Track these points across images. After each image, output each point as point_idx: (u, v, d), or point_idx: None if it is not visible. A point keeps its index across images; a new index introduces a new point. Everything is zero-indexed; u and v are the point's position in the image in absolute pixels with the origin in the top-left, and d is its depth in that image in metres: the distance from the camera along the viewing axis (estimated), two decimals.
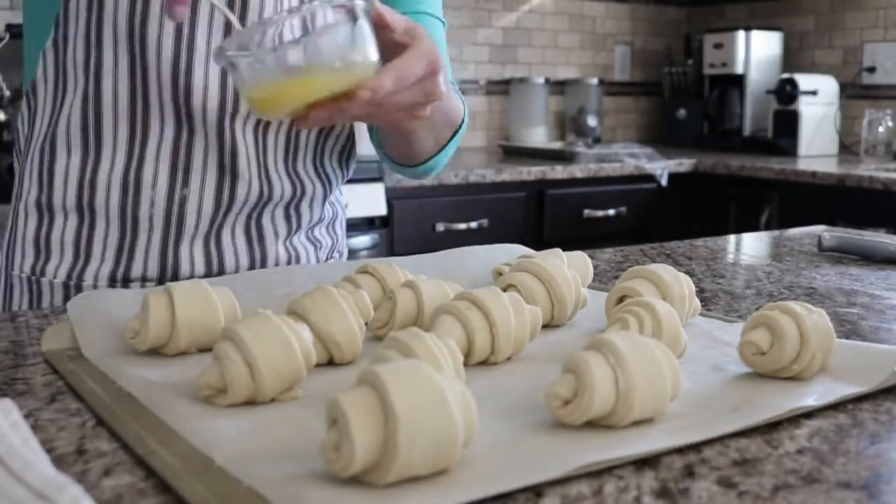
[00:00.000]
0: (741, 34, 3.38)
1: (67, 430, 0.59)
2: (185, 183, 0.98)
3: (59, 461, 0.54)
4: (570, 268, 0.86)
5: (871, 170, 2.74)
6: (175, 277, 1.00)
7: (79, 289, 0.99)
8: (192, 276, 1.00)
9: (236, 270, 1.03)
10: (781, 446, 0.57)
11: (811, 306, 0.70)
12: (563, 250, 0.95)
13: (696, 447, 0.56)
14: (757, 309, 0.82)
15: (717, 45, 3.43)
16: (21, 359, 0.74)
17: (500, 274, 0.92)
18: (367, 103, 0.76)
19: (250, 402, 0.62)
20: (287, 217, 1.06)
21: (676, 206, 3.03)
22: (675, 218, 3.02)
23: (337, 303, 0.71)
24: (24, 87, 1.06)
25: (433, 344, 0.61)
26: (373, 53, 0.76)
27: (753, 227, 2.67)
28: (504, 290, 0.81)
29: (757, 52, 3.39)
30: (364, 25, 0.75)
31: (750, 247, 1.40)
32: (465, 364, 0.67)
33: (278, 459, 0.52)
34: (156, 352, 0.73)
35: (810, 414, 0.62)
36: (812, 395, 0.64)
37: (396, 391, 0.48)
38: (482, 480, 0.49)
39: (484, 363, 0.72)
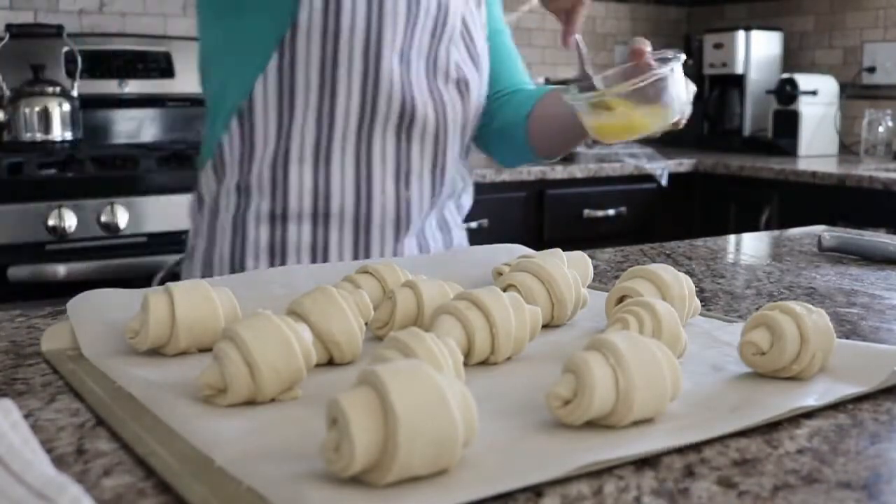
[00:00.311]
0: (741, 34, 3.38)
1: (67, 430, 0.59)
2: (407, 186, 1.15)
3: (59, 461, 0.54)
4: (570, 268, 0.86)
5: (871, 170, 2.74)
6: None
7: None
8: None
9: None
10: (781, 446, 0.57)
11: (811, 306, 0.70)
12: (563, 250, 0.95)
13: (696, 447, 0.56)
14: (757, 309, 0.82)
15: (717, 45, 3.43)
16: (21, 359, 0.74)
17: (500, 274, 0.92)
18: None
19: (250, 402, 0.62)
20: (458, 207, 1.28)
21: (676, 206, 3.03)
22: (675, 218, 3.02)
23: (337, 303, 0.71)
24: (225, 107, 1.14)
25: (433, 344, 0.61)
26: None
27: (753, 227, 2.67)
28: (504, 290, 0.81)
29: (757, 52, 3.39)
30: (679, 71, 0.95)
31: (750, 247, 1.40)
32: (465, 364, 0.67)
33: (278, 459, 0.52)
34: (156, 352, 0.73)
35: (810, 414, 0.62)
36: (812, 395, 0.64)
37: (396, 391, 0.48)
38: (482, 480, 0.49)
39: (484, 363, 0.72)
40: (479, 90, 1.20)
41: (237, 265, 1.12)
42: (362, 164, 1.12)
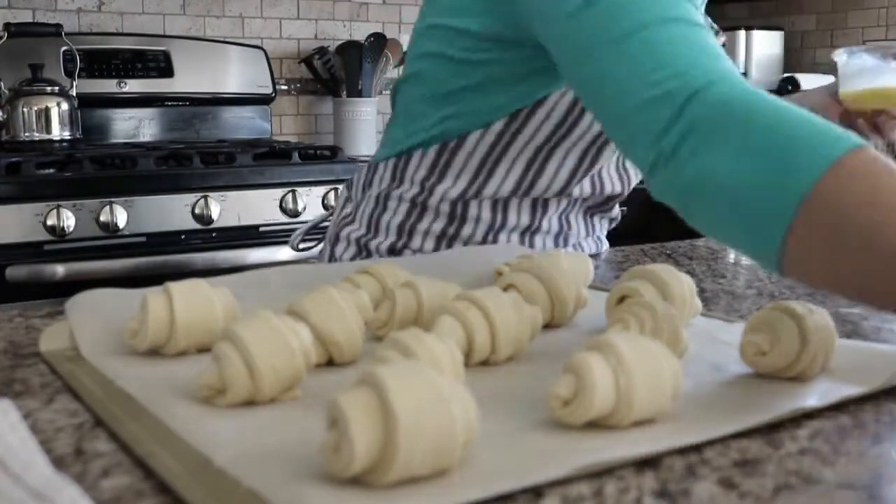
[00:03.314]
0: (742, 33, 3.37)
1: (66, 430, 0.59)
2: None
3: (57, 462, 0.53)
4: (570, 268, 0.86)
5: None
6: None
7: None
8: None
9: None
10: (782, 447, 0.57)
11: (812, 306, 0.69)
12: None
13: (697, 448, 0.56)
14: (758, 309, 0.82)
15: None
16: (19, 359, 0.74)
17: (500, 274, 0.92)
18: None
19: (250, 403, 0.62)
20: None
21: None
22: (676, 218, 3.01)
23: (336, 303, 0.71)
24: (433, 127, 1.12)
25: (433, 344, 0.61)
26: None
27: None
28: (504, 290, 0.81)
29: (758, 51, 3.39)
30: None
31: None
32: (465, 364, 0.66)
33: (278, 460, 0.52)
34: (155, 352, 0.73)
35: (812, 414, 0.62)
36: (813, 396, 0.64)
37: (396, 391, 0.48)
38: (482, 480, 0.49)
39: (484, 363, 0.72)
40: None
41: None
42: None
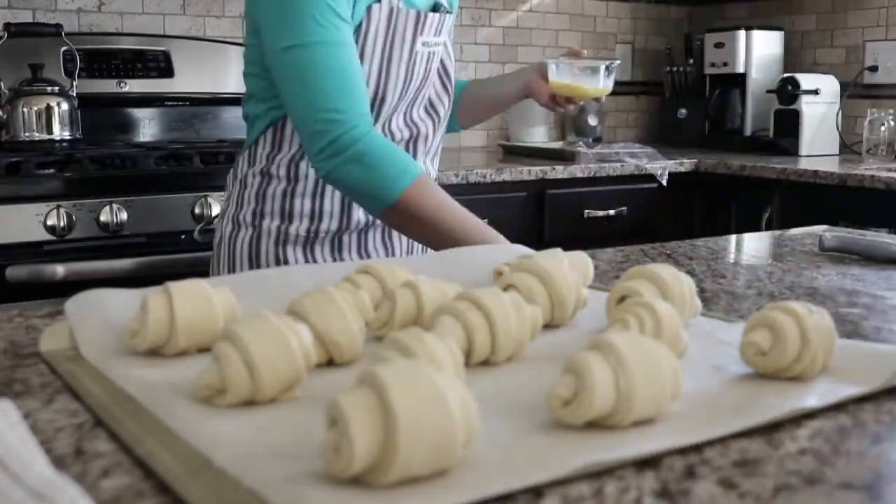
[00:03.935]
0: (742, 33, 3.37)
1: (66, 430, 0.59)
2: None
3: (57, 462, 0.53)
4: (570, 268, 0.86)
5: (873, 169, 2.74)
6: None
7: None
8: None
9: None
10: (782, 447, 0.57)
11: (813, 306, 0.70)
12: (564, 250, 0.95)
13: (697, 448, 0.56)
14: (758, 309, 0.82)
15: (718, 45, 3.42)
16: (19, 359, 0.74)
17: (500, 274, 0.91)
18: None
19: (250, 403, 0.62)
20: None
21: (677, 206, 3.03)
22: (676, 218, 3.01)
23: (336, 303, 0.71)
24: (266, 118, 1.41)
25: (433, 344, 0.61)
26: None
27: (754, 227, 2.66)
28: (504, 290, 0.81)
29: (758, 51, 3.39)
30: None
31: (751, 247, 1.40)
32: (466, 364, 0.66)
33: (278, 460, 0.52)
34: (155, 352, 0.73)
35: (812, 414, 0.62)
36: (813, 396, 0.64)
37: (396, 391, 0.48)
38: (482, 480, 0.49)
39: (484, 363, 0.72)
40: (446, 109, 1.47)
41: None
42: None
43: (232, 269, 1.39)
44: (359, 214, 1.38)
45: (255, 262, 1.37)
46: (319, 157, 1.23)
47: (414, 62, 1.35)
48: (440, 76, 1.44)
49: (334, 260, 1.39)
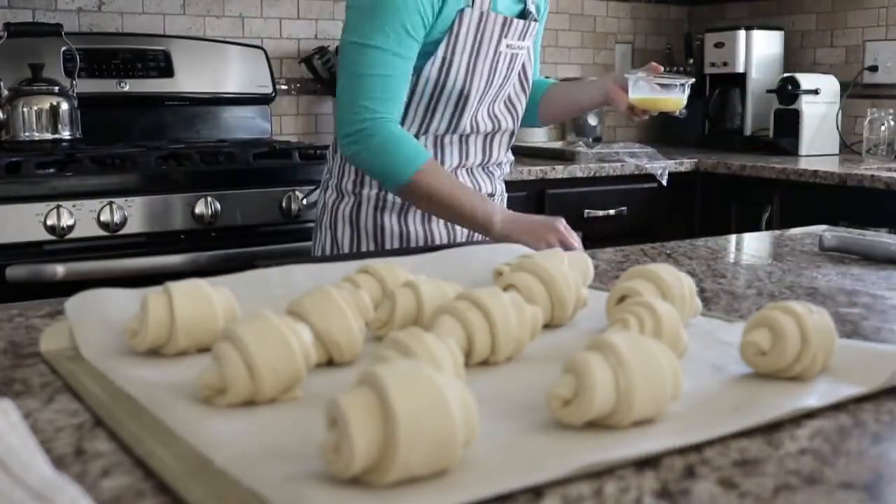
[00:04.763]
0: (742, 33, 3.37)
1: (66, 430, 0.59)
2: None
3: (57, 462, 0.53)
4: (570, 268, 0.86)
5: (873, 169, 2.74)
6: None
7: None
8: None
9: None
10: (782, 447, 0.57)
11: (812, 306, 0.70)
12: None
13: (697, 447, 0.56)
14: (758, 309, 0.82)
15: (718, 45, 3.42)
16: (19, 359, 0.74)
17: (500, 274, 0.92)
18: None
19: (250, 403, 0.62)
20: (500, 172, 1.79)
21: (677, 205, 3.03)
22: (676, 218, 3.01)
23: (336, 303, 0.71)
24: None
25: (433, 344, 0.61)
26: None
27: (754, 227, 2.66)
28: (504, 290, 0.81)
29: (758, 51, 3.39)
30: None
31: (751, 246, 1.40)
32: (465, 364, 0.66)
33: (278, 460, 0.52)
34: (155, 352, 0.73)
35: (812, 414, 0.62)
36: (813, 396, 0.64)
37: (396, 391, 0.48)
38: (482, 480, 0.49)
39: (484, 363, 0.72)
40: (523, 106, 1.66)
41: None
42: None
43: (334, 234, 1.56)
44: None
45: (355, 227, 1.55)
46: (346, 139, 1.44)
47: (497, 61, 1.52)
48: (519, 77, 1.62)
49: (424, 227, 1.55)
